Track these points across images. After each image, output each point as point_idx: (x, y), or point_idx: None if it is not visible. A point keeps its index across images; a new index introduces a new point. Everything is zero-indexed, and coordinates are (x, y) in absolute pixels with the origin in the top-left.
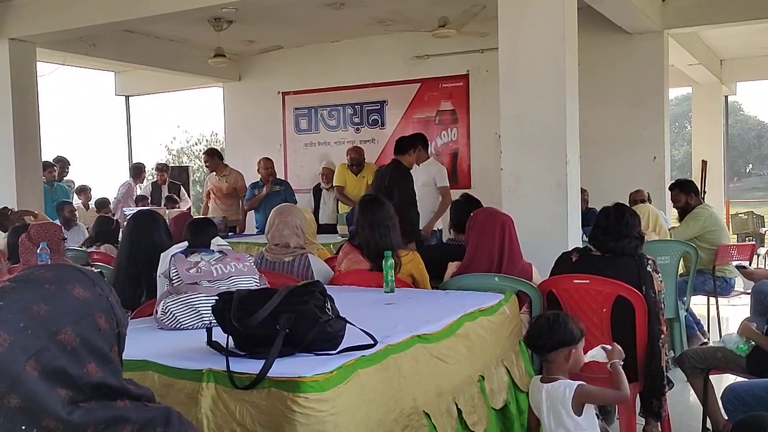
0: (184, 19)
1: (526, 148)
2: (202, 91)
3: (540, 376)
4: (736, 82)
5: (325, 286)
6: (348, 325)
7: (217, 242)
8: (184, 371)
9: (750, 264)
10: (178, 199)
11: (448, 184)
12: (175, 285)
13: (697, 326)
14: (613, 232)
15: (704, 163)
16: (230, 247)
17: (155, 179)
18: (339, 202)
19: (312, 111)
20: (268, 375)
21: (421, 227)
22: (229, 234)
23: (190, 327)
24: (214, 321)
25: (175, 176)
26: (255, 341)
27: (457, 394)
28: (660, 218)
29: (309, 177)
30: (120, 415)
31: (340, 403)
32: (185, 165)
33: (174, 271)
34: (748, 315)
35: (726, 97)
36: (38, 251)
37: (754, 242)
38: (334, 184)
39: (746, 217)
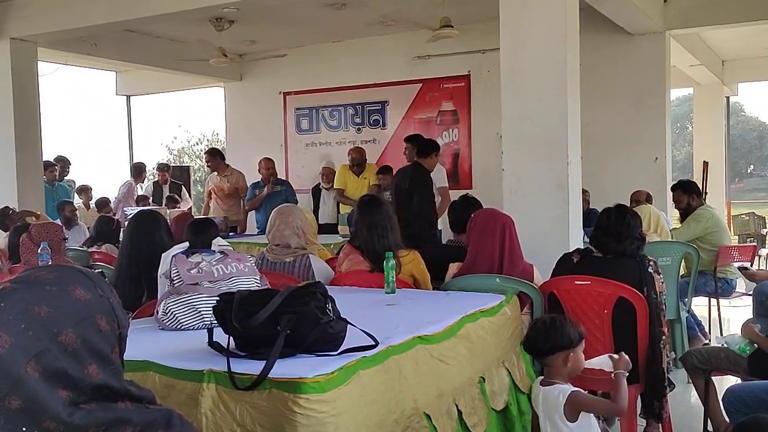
0: (185, 19)
1: (527, 148)
2: (203, 91)
3: (541, 378)
4: (738, 83)
5: (326, 286)
6: (349, 326)
7: (218, 242)
8: (184, 372)
9: (751, 265)
10: (179, 199)
11: (447, 185)
12: (176, 285)
13: (699, 327)
14: (614, 233)
15: (705, 164)
16: (231, 248)
17: (156, 179)
18: (339, 203)
19: (313, 111)
20: (269, 376)
21: None
22: (230, 234)
23: (191, 327)
24: (215, 321)
25: (176, 176)
26: (256, 342)
27: (457, 395)
28: (661, 219)
29: (310, 177)
30: (121, 416)
31: (341, 404)
32: (186, 165)
33: (175, 271)
34: (750, 317)
35: (727, 97)
36: (39, 251)
37: (755, 243)
38: (334, 187)
39: (748, 218)
